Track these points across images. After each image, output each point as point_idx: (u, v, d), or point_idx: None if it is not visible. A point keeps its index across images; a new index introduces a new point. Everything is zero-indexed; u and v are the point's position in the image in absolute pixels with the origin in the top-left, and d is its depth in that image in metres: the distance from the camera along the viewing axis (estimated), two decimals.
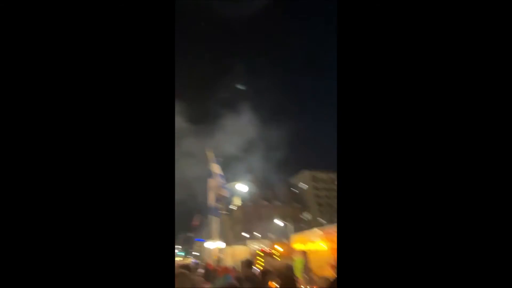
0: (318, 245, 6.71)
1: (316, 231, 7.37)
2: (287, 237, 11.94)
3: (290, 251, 8.35)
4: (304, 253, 6.23)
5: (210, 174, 4.91)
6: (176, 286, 1.29)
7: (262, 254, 8.75)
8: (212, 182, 4.88)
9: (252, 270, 3.44)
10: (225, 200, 4.96)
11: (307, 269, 5.79)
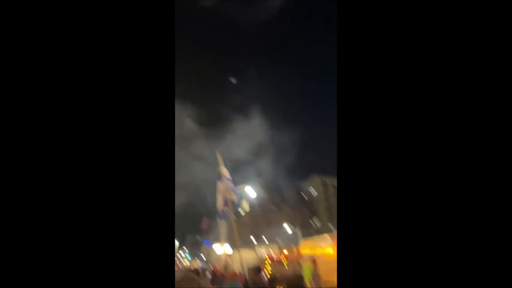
0: (328, 251, 6.57)
1: (326, 237, 7.23)
2: (296, 242, 11.77)
3: (298, 257, 8.22)
4: (313, 259, 6.11)
5: (219, 177, 4.92)
6: None
7: (270, 261, 8.64)
8: (221, 185, 4.88)
9: (260, 276, 3.39)
10: (233, 204, 4.95)
11: (315, 275, 5.67)
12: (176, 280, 1.35)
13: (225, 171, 4.93)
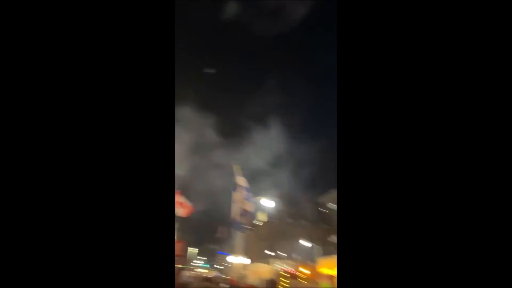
0: None
1: None
2: (313, 259, 11.33)
3: (316, 274, 7.89)
4: (331, 278, 5.83)
5: (235, 187, 4.92)
6: None
7: (287, 275, 8.36)
8: (237, 196, 4.87)
9: None
10: (249, 215, 4.89)
11: None
12: None
13: (242, 181, 4.92)
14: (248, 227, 4.87)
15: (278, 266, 10.63)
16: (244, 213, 4.79)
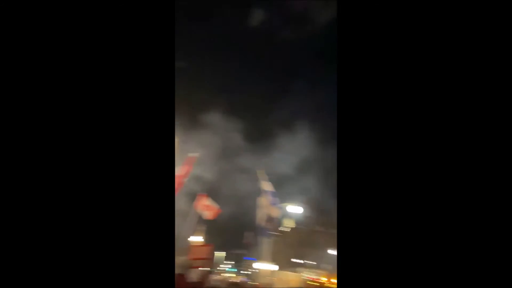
0: None
1: None
2: None
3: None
4: None
5: (260, 193, 4.92)
6: None
7: (316, 284, 8.07)
8: (262, 201, 4.85)
9: None
10: (275, 221, 4.84)
11: None
12: None
13: (268, 186, 4.90)
14: (274, 233, 4.82)
15: (305, 275, 10.31)
16: (270, 218, 4.75)
